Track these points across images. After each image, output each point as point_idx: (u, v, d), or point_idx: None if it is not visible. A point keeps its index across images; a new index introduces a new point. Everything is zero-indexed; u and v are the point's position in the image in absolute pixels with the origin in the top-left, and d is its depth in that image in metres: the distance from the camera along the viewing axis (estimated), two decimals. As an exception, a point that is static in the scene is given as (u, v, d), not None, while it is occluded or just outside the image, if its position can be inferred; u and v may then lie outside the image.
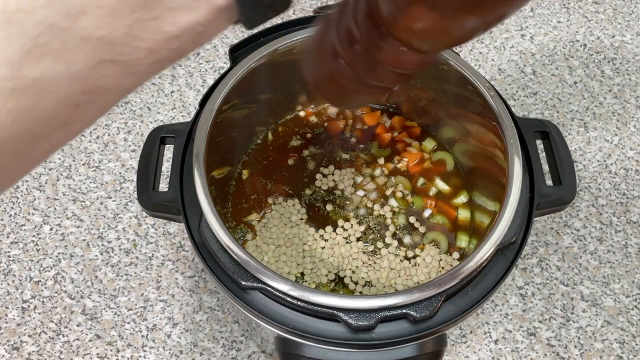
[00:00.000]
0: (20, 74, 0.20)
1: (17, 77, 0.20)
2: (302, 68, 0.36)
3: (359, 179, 0.59)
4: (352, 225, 0.56)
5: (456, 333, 0.59)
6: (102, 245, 0.63)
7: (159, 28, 0.22)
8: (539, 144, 0.51)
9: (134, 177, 0.67)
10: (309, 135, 0.61)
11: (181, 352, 0.58)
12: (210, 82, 0.75)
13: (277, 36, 0.54)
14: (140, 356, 0.58)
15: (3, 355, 0.57)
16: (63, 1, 0.20)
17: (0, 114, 0.20)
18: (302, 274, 0.53)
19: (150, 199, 0.47)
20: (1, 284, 0.61)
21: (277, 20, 0.82)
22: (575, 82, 0.77)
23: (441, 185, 0.58)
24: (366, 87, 0.33)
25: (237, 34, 0.80)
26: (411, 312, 0.41)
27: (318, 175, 0.59)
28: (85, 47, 0.21)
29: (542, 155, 0.51)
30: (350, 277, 0.53)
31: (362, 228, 0.56)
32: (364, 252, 0.54)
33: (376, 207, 0.57)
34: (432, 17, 0.26)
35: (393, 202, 0.57)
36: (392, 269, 0.53)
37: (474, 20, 0.27)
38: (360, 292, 0.52)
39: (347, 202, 0.57)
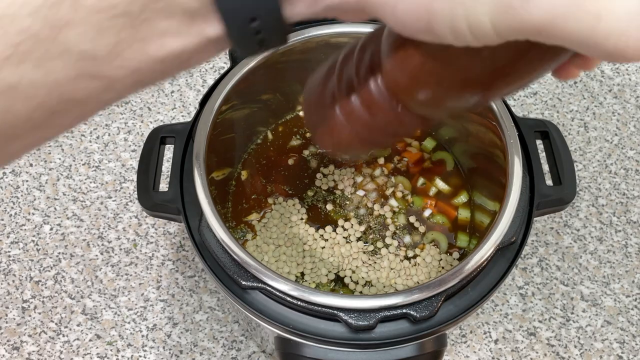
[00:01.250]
0: None
1: None
2: (303, 109, 0.35)
3: (359, 179, 0.59)
4: (352, 225, 0.56)
5: (456, 333, 0.59)
6: (102, 245, 0.63)
7: (145, 50, 0.22)
8: (539, 144, 0.51)
9: (134, 177, 0.67)
10: (309, 135, 0.61)
11: (181, 352, 0.58)
12: (210, 82, 0.75)
13: (277, 36, 0.54)
14: (140, 356, 0.58)
15: (3, 355, 0.57)
16: (49, 13, 0.20)
17: None
18: (302, 273, 0.53)
19: (150, 198, 0.47)
20: (1, 284, 0.61)
21: (277, 20, 0.82)
22: (575, 82, 0.77)
23: (441, 185, 0.58)
24: (362, 141, 0.32)
25: (237, 34, 0.80)
26: (411, 312, 0.41)
27: (318, 175, 0.59)
28: (66, 59, 0.21)
29: (542, 155, 0.51)
30: (350, 277, 0.53)
31: (362, 228, 0.56)
32: (364, 252, 0.54)
33: (376, 207, 0.57)
34: (432, 85, 0.26)
35: (393, 202, 0.57)
36: (392, 268, 0.53)
37: (471, 98, 0.26)
38: (360, 292, 0.52)
39: (347, 202, 0.57)
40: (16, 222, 0.65)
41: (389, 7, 0.22)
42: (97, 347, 0.58)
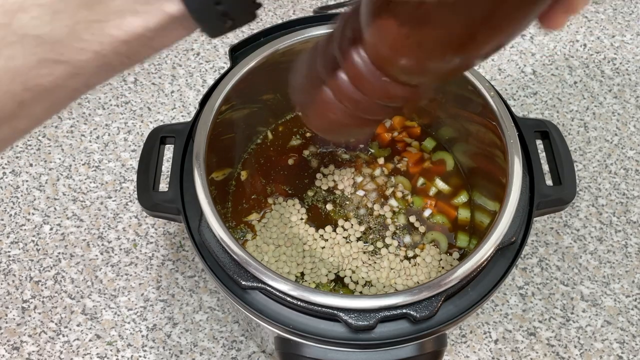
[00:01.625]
0: None
1: None
2: (290, 92, 0.35)
3: (359, 179, 0.59)
4: (352, 225, 0.56)
5: (456, 333, 0.59)
6: (102, 245, 0.63)
7: (104, 31, 0.22)
8: (539, 144, 0.51)
9: (134, 177, 0.67)
10: (308, 134, 0.61)
11: (181, 352, 0.58)
12: (210, 82, 0.75)
13: (277, 36, 0.54)
14: (140, 356, 0.58)
15: (3, 355, 0.57)
16: None
17: None
18: (302, 273, 0.53)
19: (150, 198, 0.47)
20: (1, 284, 0.61)
21: (277, 20, 0.82)
22: (575, 82, 0.77)
23: (441, 185, 0.58)
24: (352, 118, 0.31)
25: (237, 34, 0.80)
26: (411, 312, 0.41)
27: (318, 175, 0.59)
28: (24, 44, 0.21)
29: (542, 155, 0.51)
30: (350, 277, 0.53)
31: (362, 228, 0.56)
32: (364, 252, 0.54)
33: (376, 207, 0.57)
34: (413, 50, 0.26)
35: (393, 202, 0.57)
36: (392, 269, 0.53)
37: (454, 58, 0.26)
38: (360, 292, 0.52)
39: (347, 202, 0.57)
40: (16, 222, 0.65)
41: None
42: (97, 347, 0.58)
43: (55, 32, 0.21)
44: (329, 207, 0.57)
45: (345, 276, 0.53)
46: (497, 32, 0.24)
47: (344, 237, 0.55)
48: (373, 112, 0.31)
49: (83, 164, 0.69)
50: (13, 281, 0.61)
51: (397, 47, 0.26)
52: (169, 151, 0.63)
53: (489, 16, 0.23)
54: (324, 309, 0.41)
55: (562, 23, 0.24)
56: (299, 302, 0.41)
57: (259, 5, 0.24)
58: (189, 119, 0.57)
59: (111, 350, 0.58)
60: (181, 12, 0.22)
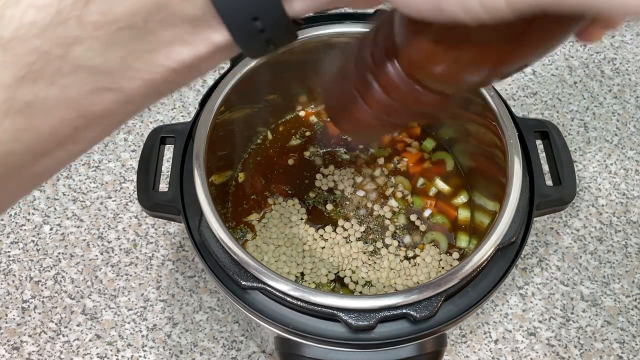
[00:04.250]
0: (14, 97, 0.22)
1: (12, 100, 0.22)
2: (319, 94, 0.36)
3: (359, 179, 0.59)
4: (352, 225, 0.56)
5: (456, 333, 0.59)
6: (102, 245, 0.63)
7: (155, 60, 0.23)
8: (539, 144, 0.51)
9: (134, 177, 0.67)
10: (309, 135, 0.61)
11: (181, 352, 0.58)
12: (210, 82, 0.75)
13: (277, 36, 0.54)
14: (140, 356, 0.58)
15: (3, 355, 0.57)
16: (56, 32, 0.21)
17: None
18: (302, 274, 0.53)
19: (150, 199, 0.47)
20: (1, 284, 0.61)
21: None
22: (575, 82, 0.77)
23: (441, 185, 0.58)
24: (381, 122, 0.32)
25: (237, 34, 0.80)
26: (411, 312, 0.41)
27: (318, 176, 0.59)
28: (79, 75, 0.22)
29: (542, 155, 0.51)
30: (350, 277, 0.53)
31: (362, 228, 0.56)
32: (363, 252, 0.54)
33: (376, 207, 0.57)
34: (450, 64, 0.26)
35: (393, 202, 0.57)
36: (392, 269, 0.53)
37: (486, 71, 0.26)
38: (360, 292, 0.52)
39: (347, 202, 0.57)
40: (16, 222, 0.65)
41: None
42: (97, 347, 0.58)
43: (108, 63, 0.22)
44: (329, 207, 0.57)
45: (345, 276, 0.53)
46: (534, 49, 0.25)
47: (344, 237, 0.55)
48: (402, 118, 0.32)
49: (83, 164, 0.69)
50: (13, 281, 0.61)
51: (433, 61, 0.26)
52: (169, 151, 0.63)
53: (527, 37, 0.24)
54: (324, 309, 0.41)
55: (599, 37, 0.25)
56: (299, 302, 0.41)
57: (300, 26, 0.25)
58: (189, 119, 0.57)
59: (111, 350, 0.58)
60: (228, 42, 0.23)
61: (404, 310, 0.41)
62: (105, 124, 0.25)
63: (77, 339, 0.58)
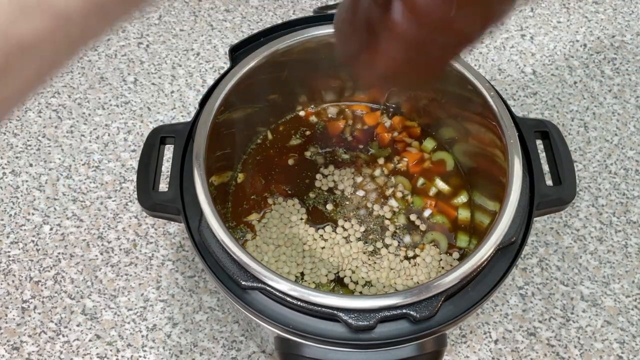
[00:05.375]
0: None
1: None
2: (336, 48, 0.33)
3: (359, 179, 0.59)
4: (352, 225, 0.56)
5: (456, 333, 0.59)
6: (102, 245, 0.63)
7: None
8: (539, 144, 0.51)
9: (134, 177, 0.67)
10: (308, 134, 0.61)
11: (181, 352, 0.58)
12: (210, 82, 0.75)
13: (277, 36, 0.54)
14: (140, 356, 0.58)
15: (3, 355, 0.57)
16: None
17: None
18: (302, 274, 0.53)
19: (150, 199, 0.47)
20: (1, 284, 0.61)
21: (277, 20, 0.82)
22: (575, 82, 0.77)
23: (441, 185, 0.58)
24: (409, 62, 0.29)
25: (237, 34, 0.80)
26: (411, 312, 0.41)
27: (318, 176, 0.59)
28: None
29: (542, 155, 0.51)
30: (350, 277, 0.53)
31: (362, 228, 0.56)
32: (363, 252, 0.54)
33: (376, 207, 0.57)
34: None
35: (393, 202, 0.57)
36: (392, 269, 0.53)
37: None
38: (360, 292, 0.52)
39: (347, 202, 0.57)
40: (16, 222, 0.65)
41: None
42: (97, 347, 0.58)
43: None
44: (329, 207, 0.57)
45: (345, 276, 0.53)
46: None
47: (343, 237, 0.55)
48: (433, 51, 0.29)
49: (83, 164, 0.69)
50: (13, 281, 0.61)
51: None
52: (169, 151, 0.63)
53: None
54: (323, 309, 0.41)
55: None
56: (299, 302, 0.41)
57: None
58: (189, 119, 0.57)
59: (111, 350, 0.58)
60: None
61: (404, 310, 0.41)
62: (41, 59, 0.21)
63: (77, 339, 0.58)
